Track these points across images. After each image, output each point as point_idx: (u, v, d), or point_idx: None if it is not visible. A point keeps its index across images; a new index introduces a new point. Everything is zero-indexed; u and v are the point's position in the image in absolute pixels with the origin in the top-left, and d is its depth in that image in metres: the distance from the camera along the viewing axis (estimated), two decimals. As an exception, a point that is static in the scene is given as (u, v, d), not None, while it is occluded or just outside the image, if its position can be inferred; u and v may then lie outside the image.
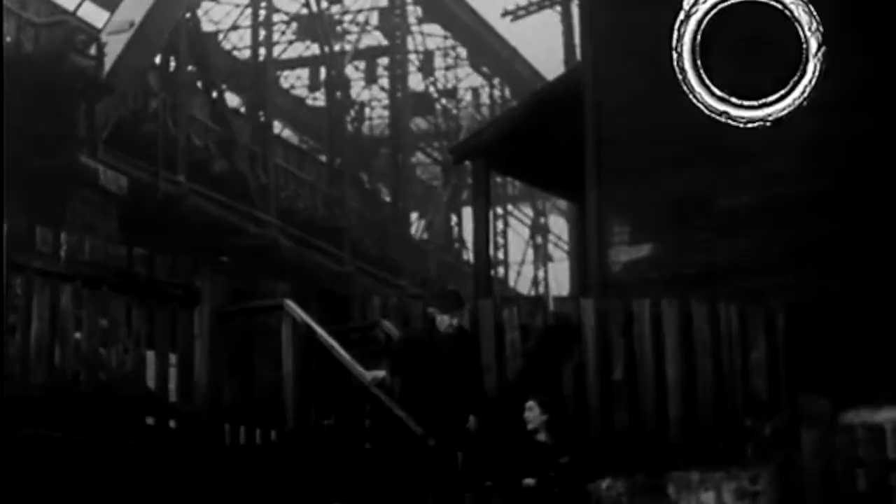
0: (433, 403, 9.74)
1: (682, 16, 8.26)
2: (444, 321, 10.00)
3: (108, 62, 23.61)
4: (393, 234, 34.89)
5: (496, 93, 42.63)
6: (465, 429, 9.89)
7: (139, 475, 9.07)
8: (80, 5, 29.91)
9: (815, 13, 8.27)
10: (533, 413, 10.33)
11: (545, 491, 9.99)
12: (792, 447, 10.61)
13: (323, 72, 36.41)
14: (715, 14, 8.37)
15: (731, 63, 8.68)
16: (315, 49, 36.74)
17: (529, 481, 10.03)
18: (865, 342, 12.67)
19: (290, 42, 37.72)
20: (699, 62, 8.34)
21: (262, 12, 33.29)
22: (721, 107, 8.37)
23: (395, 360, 10.10)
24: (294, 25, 36.96)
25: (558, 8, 34.30)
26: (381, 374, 9.95)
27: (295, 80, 40.60)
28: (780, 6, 8.22)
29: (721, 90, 8.36)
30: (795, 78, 8.31)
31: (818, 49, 8.13)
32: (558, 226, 46.27)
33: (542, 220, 46.69)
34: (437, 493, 9.79)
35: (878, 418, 10.57)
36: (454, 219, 40.05)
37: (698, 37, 8.35)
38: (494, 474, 10.23)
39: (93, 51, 22.89)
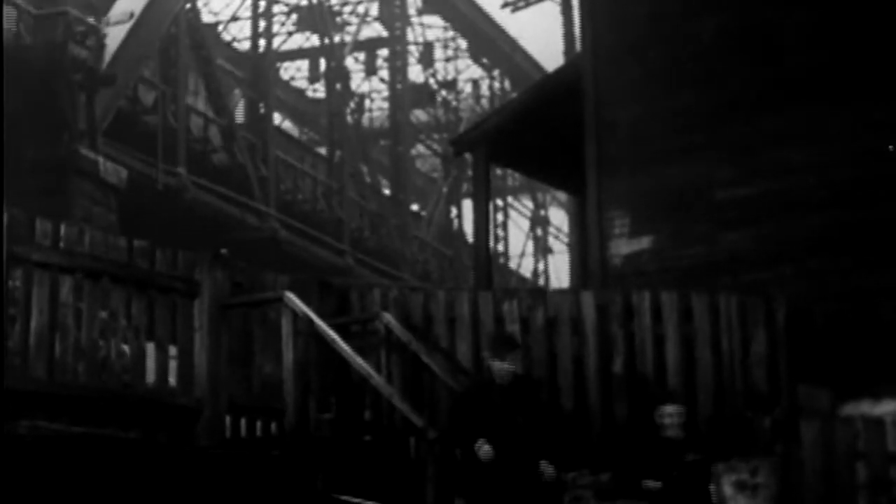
0: (496, 453, 9.36)
1: None
2: (500, 368, 9.58)
3: (108, 53, 23.60)
4: (393, 226, 34.88)
5: (496, 84, 42.61)
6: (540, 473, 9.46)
7: (139, 467, 9.05)
8: (79, -4, 29.85)
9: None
10: (675, 411, 10.18)
11: (670, 492, 9.91)
12: (792, 439, 10.60)
13: (323, 63, 36.38)
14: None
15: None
16: (315, 40, 36.73)
17: (653, 484, 9.92)
18: (865, 334, 12.66)
19: (290, 33, 37.70)
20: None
21: (262, 3, 33.27)
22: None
23: (456, 411, 9.79)
24: (294, 17, 36.93)
25: (558, -1, 34.19)
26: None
27: (295, 72, 40.60)
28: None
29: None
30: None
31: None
32: (558, 218, 46.32)
33: (542, 212, 46.70)
34: (436, 485, 9.79)
35: (879, 410, 10.56)
36: (454, 211, 40.02)
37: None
38: (617, 473, 10.10)
39: (92, 42, 22.86)
